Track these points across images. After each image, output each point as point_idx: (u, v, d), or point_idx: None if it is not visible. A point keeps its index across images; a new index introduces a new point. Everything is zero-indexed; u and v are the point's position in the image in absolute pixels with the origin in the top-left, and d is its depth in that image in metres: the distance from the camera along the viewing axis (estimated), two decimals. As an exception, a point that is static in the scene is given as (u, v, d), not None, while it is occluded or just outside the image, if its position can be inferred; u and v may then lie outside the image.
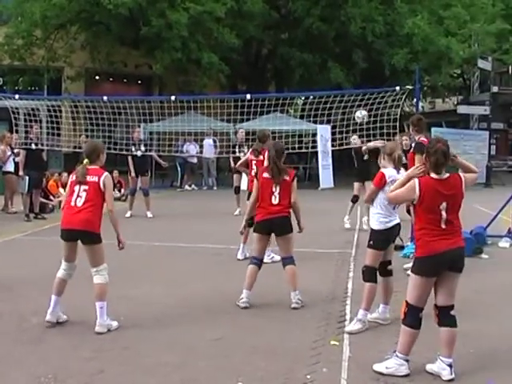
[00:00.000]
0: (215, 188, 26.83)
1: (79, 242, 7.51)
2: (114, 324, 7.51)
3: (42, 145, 17.29)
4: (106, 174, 7.60)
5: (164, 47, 26.92)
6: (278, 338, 7.11)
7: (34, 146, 16.81)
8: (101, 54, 30.11)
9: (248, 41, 30.78)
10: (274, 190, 8.52)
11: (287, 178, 8.58)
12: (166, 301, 8.77)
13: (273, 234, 8.63)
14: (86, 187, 7.46)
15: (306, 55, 29.66)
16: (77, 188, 7.50)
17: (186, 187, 27.06)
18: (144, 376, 6.07)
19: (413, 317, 6.06)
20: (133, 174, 17.25)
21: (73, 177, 7.64)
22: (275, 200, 8.51)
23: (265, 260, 10.82)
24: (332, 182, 27.39)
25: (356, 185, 15.09)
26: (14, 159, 18.01)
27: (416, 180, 6.04)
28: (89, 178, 7.47)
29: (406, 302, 6.10)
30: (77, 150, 17.80)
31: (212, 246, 12.46)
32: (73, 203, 7.48)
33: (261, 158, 11.55)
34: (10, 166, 18.00)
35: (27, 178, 16.69)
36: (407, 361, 6.11)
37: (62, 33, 30.00)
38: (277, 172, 8.51)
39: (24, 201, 17.07)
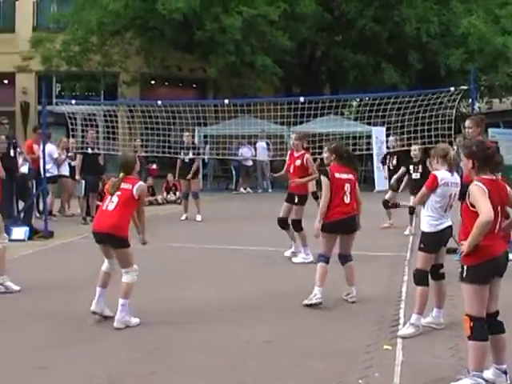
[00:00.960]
0: (270, 190, 26.82)
1: None
2: (134, 321, 7.73)
3: (99, 149, 17.51)
4: (141, 183, 8.05)
5: (218, 51, 27.00)
6: (329, 341, 7.10)
7: (90, 151, 17.06)
8: (156, 58, 30.29)
9: (301, 43, 30.69)
10: (345, 189, 8.75)
11: (353, 176, 8.93)
12: (218, 302, 8.83)
13: None
14: (119, 193, 7.78)
15: (360, 56, 29.46)
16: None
17: (241, 190, 27.12)
18: (194, 377, 6.13)
19: (480, 329, 5.69)
20: (177, 177, 17.50)
21: (109, 183, 7.99)
22: (347, 199, 8.76)
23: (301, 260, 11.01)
24: (387, 184, 27.17)
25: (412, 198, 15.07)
26: (70, 163, 18.30)
27: (479, 182, 5.73)
28: (123, 185, 7.78)
29: (469, 316, 5.72)
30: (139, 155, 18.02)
31: (264, 249, 12.46)
32: (104, 207, 7.85)
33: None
34: (65, 170, 18.31)
35: (84, 181, 16.95)
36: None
37: (117, 39, 30.29)
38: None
39: (81, 204, 17.35)
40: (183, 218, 17.36)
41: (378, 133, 24.82)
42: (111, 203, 7.79)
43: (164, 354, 6.74)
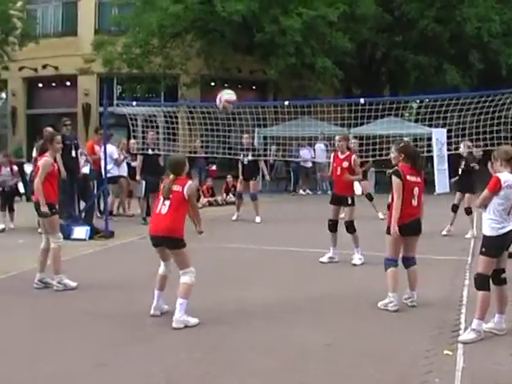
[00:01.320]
0: (329, 192, 26.59)
1: None
2: (192, 321, 7.78)
3: (159, 150, 17.63)
4: (190, 182, 8.15)
5: (278, 53, 27.00)
6: (389, 344, 7.02)
7: (150, 152, 17.21)
8: (216, 60, 30.44)
9: (361, 44, 30.52)
10: (414, 192, 8.71)
11: (421, 179, 8.87)
12: (277, 304, 8.82)
13: None
14: (171, 196, 7.91)
15: (421, 57, 29.15)
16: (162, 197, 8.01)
17: (301, 192, 27.07)
18: (252, 378, 6.14)
19: None
20: (240, 178, 17.61)
21: (162, 185, 8.11)
22: (414, 202, 8.71)
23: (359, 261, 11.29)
24: (448, 186, 26.82)
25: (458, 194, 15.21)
26: (129, 164, 18.49)
27: None
28: (174, 188, 7.91)
29: None
30: (192, 155, 18.11)
31: (324, 251, 12.38)
32: (158, 211, 8.00)
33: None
34: (122, 171, 18.51)
35: (144, 182, 17.09)
36: None
37: (177, 41, 30.53)
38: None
39: (141, 205, 17.50)
40: (234, 217, 17.49)
41: (439, 135, 24.47)
42: (164, 206, 7.94)
43: (221, 354, 6.75)
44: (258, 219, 17.22)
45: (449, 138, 19.19)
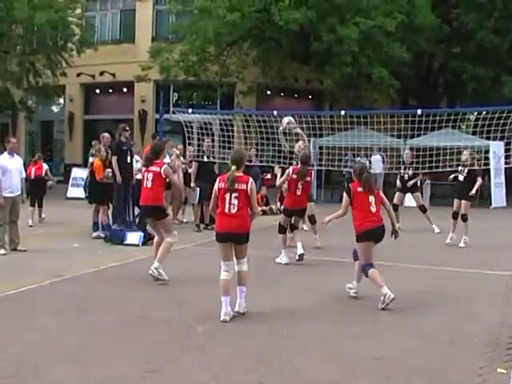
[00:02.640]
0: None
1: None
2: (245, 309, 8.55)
3: (214, 157, 17.70)
4: (251, 180, 8.60)
5: (334, 62, 26.93)
6: (441, 361, 6.88)
7: (206, 159, 17.28)
8: (272, 69, 30.50)
9: (419, 55, 30.29)
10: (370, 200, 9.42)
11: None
12: (330, 316, 8.76)
13: None
14: (237, 194, 8.42)
15: (479, 69, 28.81)
16: (227, 196, 8.45)
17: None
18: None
19: None
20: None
21: (220, 184, 8.50)
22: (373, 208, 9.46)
23: None
24: (504, 200, 26.51)
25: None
26: (186, 171, 18.58)
27: None
28: (238, 186, 8.34)
29: None
30: (247, 164, 18.07)
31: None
32: (227, 210, 8.45)
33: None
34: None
35: (198, 189, 17.15)
36: None
37: (234, 49, 30.67)
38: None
39: (195, 212, 17.57)
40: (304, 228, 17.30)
41: (496, 148, 24.17)
42: (232, 206, 8.44)
43: (274, 365, 6.69)
44: (305, 227, 17.02)
45: (507, 151, 18.88)
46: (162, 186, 11.16)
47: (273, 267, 12.29)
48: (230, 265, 8.52)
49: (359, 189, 9.46)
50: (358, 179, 9.58)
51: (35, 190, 18.82)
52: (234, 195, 8.41)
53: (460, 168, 15.52)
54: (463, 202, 15.24)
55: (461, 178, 15.41)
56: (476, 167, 15.57)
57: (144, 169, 11.48)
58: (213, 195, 8.69)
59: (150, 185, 10.99)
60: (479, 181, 15.29)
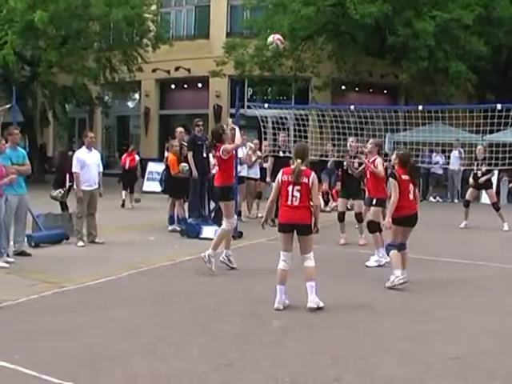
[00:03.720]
0: (456, 201, 25.92)
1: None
2: (321, 304, 8.51)
3: (290, 152, 17.64)
4: (313, 174, 8.79)
5: (410, 56, 26.59)
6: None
7: (281, 154, 17.26)
8: (347, 63, 30.30)
9: (497, 48, 29.61)
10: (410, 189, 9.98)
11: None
12: (406, 313, 8.69)
13: None
14: (299, 187, 8.62)
15: (561, 63, 28.12)
16: (290, 188, 8.64)
17: (431, 199, 26.55)
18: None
19: None
20: None
21: (284, 177, 8.71)
22: (412, 197, 10.00)
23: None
24: None
25: None
26: (262, 166, 18.61)
27: None
28: (302, 180, 8.57)
29: None
30: (323, 159, 18.00)
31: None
32: (290, 202, 8.64)
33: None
34: (253, 173, 18.65)
35: (274, 184, 17.13)
36: None
37: (309, 44, 30.52)
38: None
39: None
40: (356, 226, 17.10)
41: None
42: (294, 198, 8.62)
43: (350, 362, 6.64)
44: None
45: None
46: (227, 168, 11.57)
47: (352, 261, 12.21)
48: (288, 255, 8.72)
49: (404, 176, 9.97)
50: (403, 166, 10.07)
51: (127, 179, 22.37)
52: (296, 188, 8.62)
53: None
54: None
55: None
56: None
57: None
58: (275, 186, 8.97)
59: (217, 169, 11.71)
60: None
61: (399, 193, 9.81)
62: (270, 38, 14.10)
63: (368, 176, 12.54)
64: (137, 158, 23.41)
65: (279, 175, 8.88)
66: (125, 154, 23.58)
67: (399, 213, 9.78)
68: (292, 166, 8.85)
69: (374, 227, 12.06)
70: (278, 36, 14.20)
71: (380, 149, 12.84)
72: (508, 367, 6.56)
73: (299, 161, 8.67)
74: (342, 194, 15.06)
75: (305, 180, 8.60)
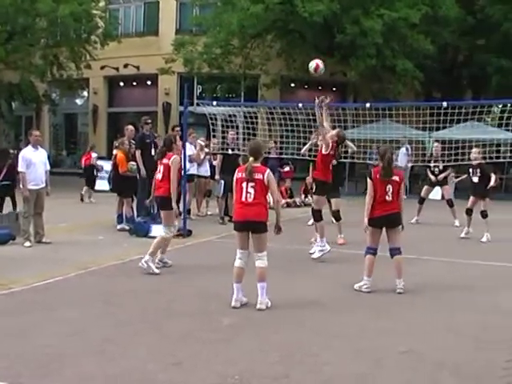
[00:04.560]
0: (404, 197, 26.06)
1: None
2: (269, 304, 8.52)
3: (238, 150, 17.66)
4: (268, 170, 8.75)
5: (358, 54, 26.82)
6: (467, 355, 6.83)
7: (230, 151, 17.26)
8: (296, 61, 30.40)
9: (443, 47, 30.08)
10: (387, 189, 9.67)
11: (397, 178, 9.83)
12: (357, 309, 8.75)
13: None
14: (253, 184, 8.58)
15: (504, 61, 28.53)
16: (244, 185, 8.60)
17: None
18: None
19: None
20: None
21: (238, 174, 8.68)
22: (389, 198, 9.67)
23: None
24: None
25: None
26: (211, 163, 18.60)
27: None
28: (255, 176, 8.50)
29: None
30: (268, 156, 18.02)
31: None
32: (244, 199, 8.61)
33: None
34: (203, 171, 18.63)
35: (223, 182, 17.14)
36: None
37: (258, 41, 30.61)
38: (390, 173, 9.69)
39: (219, 204, 17.58)
40: (310, 223, 17.12)
41: (522, 140, 23.98)
42: (249, 194, 8.58)
43: (299, 358, 6.67)
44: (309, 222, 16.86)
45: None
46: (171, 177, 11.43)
47: (301, 259, 12.27)
48: (244, 253, 8.70)
49: (379, 176, 9.77)
50: (380, 160, 9.89)
51: (85, 176, 24.27)
52: (250, 184, 8.58)
53: (471, 170, 15.52)
54: (482, 199, 15.22)
55: (475, 179, 15.45)
56: (483, 161, 15.60)
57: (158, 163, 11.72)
58: (234, 186, 8.88)
59: (160, 177, 11.35)
60: (493, 176, 15.22)
61: (374, 193, 9.71)
62: (313, 64, 14.10)
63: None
64: (93, 155, 24.87)
65: (236, 173, 8.85)
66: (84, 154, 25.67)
67: (371, 214, 9.70)
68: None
69: (318, 216, 12.32)
70: (316, 60, 14.27)
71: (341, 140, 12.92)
72: (455, 360, 6.66)
73: (252, 158, 8.65)
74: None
75: (259, 176, 8.56)
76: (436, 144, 18.95)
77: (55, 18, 29.22)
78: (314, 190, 12.54)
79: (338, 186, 14.86)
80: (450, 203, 17.72)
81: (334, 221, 14.53)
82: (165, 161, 11.32)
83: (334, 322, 8.07)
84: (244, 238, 8.69)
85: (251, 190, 8.56)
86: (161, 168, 11.39)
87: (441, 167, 17.73)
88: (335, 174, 14.10)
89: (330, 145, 12.16)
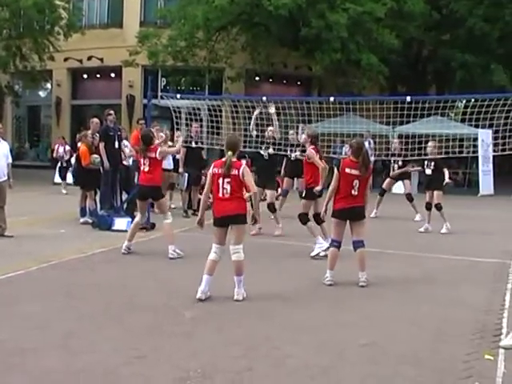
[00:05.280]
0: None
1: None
2: (245, 295, 8.65)
3: (202, 143, 17.63)
4: (244, 165, 8.77)
5: (323, 48, 26.88)
6: (428, 348, 6.87)
7: (194, 145, 17.21)
8: (261, 55, 30.41)
9: (408, 42, 30.29)
10: (354, 184, 9.61)
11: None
12: (319, 302, 8.78)
13: None
14: (229, 179, 8.62)
15: (468, 56, 28.81)
16: (221, 181, 8.65)
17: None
18: (289, 377, 6.05)
19: None
20: (282, 175, 17.37)
21: (215, 169, 8.70)
22: (355, 192, 9.63)
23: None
24: (492, 188, 26.57)
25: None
26: (174, 157, 18.52)
27: None
28: (232, 172, 8.56)
29: None
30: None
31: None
32: (221, 195, 8.68)
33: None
34: (167, 164, 18.55)
35: (187, 175, 17.11)
36: None
37: (223, 34, 30.59)
38: (365, 169, 9.67)
39: (183, 197, 17.56)
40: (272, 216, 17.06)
41: (484, 135, 24.24)
42: (225, 190, 8.64)
43: (263, 352, 6.66)
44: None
45: (495, 139, 18.88)
46: (159, 168, 11.99)
47: (266, 252, 12.28)
48: (220, 248, 8.73)
49: (349, 170, 9.67)
50: (355, 157, 9.77)
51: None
52: (226, 180, 8.60)
53: (426, 162, 15.85)
54: (435, 192, 15.49)
55: (428, 171, 15.81)
56: (438, 156, 15.85)
57: (142, 157, 11.93)
58: (207, 181, 8.90)
59: (147, 169, 11.70)
60: (446, 171, 15.49)
61: (339, 185, 9.69)
62: None
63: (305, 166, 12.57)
64: (67, 148, 26.19)
65: (211, 168, 8.86)
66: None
67: (334, 206, 9.73)
68: (223, 159, 8.75)
69: (304, 219, 12.29)
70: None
71: (315, 140, 12.81)
72: (415, 352, 6.70)
73: (230, 153, 8.66)
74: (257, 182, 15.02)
75: (234, 172, 8.59)
76: (395, 140, 19.13)
77: (18, 9, 28.96)
78: (303, 195, 12.48)
79: (273, 177, 15.27)
80: (410, 198, 17.86)
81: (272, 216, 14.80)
82: (149, 154, 11.70)
83: (297, 315, 8.07)
84: (222, 234, 8.74)
85: (227, 186, 8.61)
86: (146, 161, 11.73)
87: (400, 163, 17.86)
88: (271, 165, 14.32)
89: (316, 155, 12.21)
